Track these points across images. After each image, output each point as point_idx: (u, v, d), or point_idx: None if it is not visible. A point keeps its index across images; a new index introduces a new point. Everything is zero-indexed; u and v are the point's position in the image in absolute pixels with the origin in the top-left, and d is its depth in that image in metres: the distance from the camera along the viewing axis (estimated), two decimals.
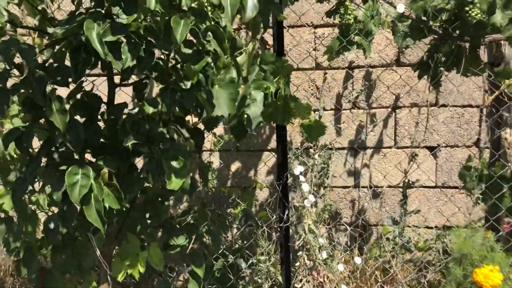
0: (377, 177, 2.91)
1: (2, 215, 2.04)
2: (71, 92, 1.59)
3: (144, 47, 1.35)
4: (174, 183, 1.50)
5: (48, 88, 1.34)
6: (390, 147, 2.91)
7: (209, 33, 1.34)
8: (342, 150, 2.89)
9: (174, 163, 1.51)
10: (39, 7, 1.52)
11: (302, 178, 2.14)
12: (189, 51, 1.38)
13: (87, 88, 1.67)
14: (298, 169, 2.14)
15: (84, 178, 1.42)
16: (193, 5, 1.49)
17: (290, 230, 2.14)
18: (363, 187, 2.91)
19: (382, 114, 2.90)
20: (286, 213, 2.07)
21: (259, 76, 1.75)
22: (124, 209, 1.66)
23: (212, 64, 1.56)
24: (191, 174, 1.66)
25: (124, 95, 2.48)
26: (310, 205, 2.09)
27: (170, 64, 1.52)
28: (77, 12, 1.53)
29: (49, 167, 1.50)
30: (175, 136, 1.71)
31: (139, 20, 1.43)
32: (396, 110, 2.90)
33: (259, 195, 2.78)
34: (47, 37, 1.46)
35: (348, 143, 2.91)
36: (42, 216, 2.09)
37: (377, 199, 2.90)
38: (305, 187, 2.11)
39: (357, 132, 2.90)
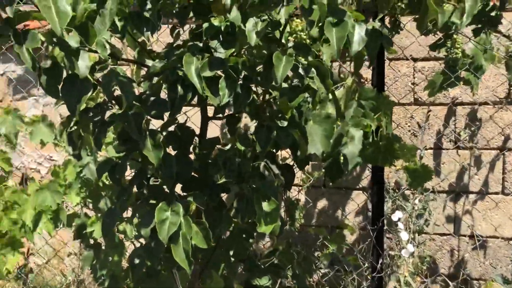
0: (481, 225, 2.62)
1: (92, 241, 2.07)
2: (164, 124, 1.57)
3: (241, 82, 1.29)
4: (265, 227, 1.40)
5: None
6: (496, 193, 2.62)
7: (312, 69, 1.24)
8: (442, 193, 2.65)
9: (266, 205, 1.42)
10: (139, 39, 1.53)
11: (400, 225, 1.96)
12: (285, 85, 1.30)
13: (180, 120, 1.65)
14: (396, 215, 1.96)
15: (174, 216, 1.37)
16: (289, 38, 1.42)
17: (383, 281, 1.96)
18: (463, 235, 2.63)
19: (488, 156, 2.63)
20: (380, 261, 1.89)
21: (358, 113, 1.62)
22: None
23: (308, 99, 1.47)
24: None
25: (213, 125, 2.46)
26: (408, 255, 1.89)
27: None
28: (175, 44, 1.52)
29: (140, 200, 1.47)
30: (265, 172, 1.63)
31: (235, 54, 1.38)
32: (505, 153, 2.61)
33: (348, 237, 2.61)
34: (145, 69, 1.45)
35: (448, 186, 2.66)
36: (129, 244, 2.09)
37: (480, 250, 2.61)
38: (404, 235, 1.92)
39: (459, 174, 2.64)
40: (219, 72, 1.30)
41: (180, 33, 1.63)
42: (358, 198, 2.72)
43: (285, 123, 1.34)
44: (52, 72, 1.09)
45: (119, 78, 1.20)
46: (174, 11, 1.36)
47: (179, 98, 1.25)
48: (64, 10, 1.02)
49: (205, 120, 1.67)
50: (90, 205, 2.14)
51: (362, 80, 2.75)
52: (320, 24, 1.16)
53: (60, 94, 1.11)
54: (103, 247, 2.01)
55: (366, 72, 2.69)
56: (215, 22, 1.32)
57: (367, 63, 2.01)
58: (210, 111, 1.63)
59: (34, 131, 2.07)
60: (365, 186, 2.69)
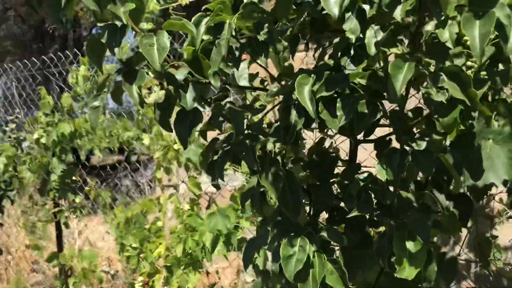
0: None
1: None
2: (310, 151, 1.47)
3: (367, 99, 1.11)
4: (408, 271, 1.16)
5: None
6: None
7: (443, 76, 0.98)
8: None
9: (410, 245, 1.18)
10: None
11: None
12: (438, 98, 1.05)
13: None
14: None
15: (301, 252, 1.25)
16: None
17: None
18: None
19: None
20: None
21: None
22: None
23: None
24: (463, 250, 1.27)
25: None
26: None
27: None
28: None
29: (275, 231, 1.40)
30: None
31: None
32: None
33: None
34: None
35: None
36: None
37: None
38: None
39: None
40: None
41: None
42: None
43: (423, 145, 1.09)
44: (164, 106, 1.12)
45: (230, 107, 1.16)
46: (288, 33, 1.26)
47: (293, 124, 1.14)
48: (164, 45, 1.04)
49: (355, 143, 1.51)
50: None
51: None
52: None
53: (173, 127, 1.13)
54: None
55: None
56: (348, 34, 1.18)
57: None
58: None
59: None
60: None
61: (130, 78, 1.08)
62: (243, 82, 1.43)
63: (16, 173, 3.35)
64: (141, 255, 2.37)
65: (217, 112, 1.17)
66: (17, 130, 3.57)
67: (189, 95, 1.11)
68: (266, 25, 1.23)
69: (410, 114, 1.32)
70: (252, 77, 1.47)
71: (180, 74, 1.10)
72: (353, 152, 1.51)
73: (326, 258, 1.29)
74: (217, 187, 1.49)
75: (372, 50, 1.04)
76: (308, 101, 1.09)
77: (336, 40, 1.26)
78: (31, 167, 3.22)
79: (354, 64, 1.19)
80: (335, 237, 1.32)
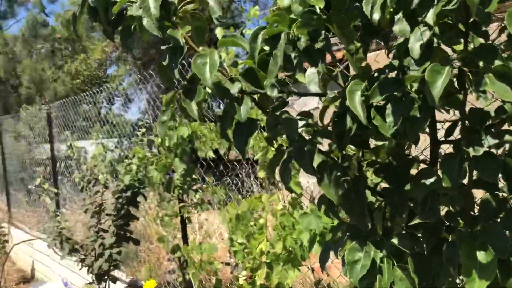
0: None
1: None
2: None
3: (420, 103, 1.05)
4: (477, 284, 1.08)
5: None
6: None
7: (486, 79, 0.89)
8: None
9: (481, 255, 1.09)
10: None
11: None
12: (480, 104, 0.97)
13: None
14: None
15: (367, 257, 1.24)
16: None
17: None
18: None
19: None
20: None
21: None
22: None
23: None
24: None
25: None
26: None
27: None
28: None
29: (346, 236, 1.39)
30: None
31: None
32: None
33: None
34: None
35: None
36: None
37: None
38: None
39: None
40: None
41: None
42: None
43: (481, 151, 1.00)
44: (224, 119, 1.20)
45: (284, 116, 1.19)
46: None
47: (347, 133, 1.13)
48: (215, 63, 1.12)
49: (435, 144, 1.43)
50: None
51: None
52: None
53: (232, 139, 1.20)
54: None
55: None
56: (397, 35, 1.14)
57: None
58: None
59: None
60: None
61: (189, 95, 1.18)
62: (313, 87, 1.44)
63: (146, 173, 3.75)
64: (245, 250, 2.50)
65: (272, 121, 1.21)
66: (147, 133, 3.99)
67: (243, 108, 1.17)
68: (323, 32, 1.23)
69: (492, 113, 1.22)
70: (325, 80, 1.48)
71: (235, 88, 1.17)
72: (433, 153, 1.43)
73: (395, 264, 1.26)
74: (290, 190, 1.52)
75: (416, 53, 0.99)
76: (359, 108, 1.08)
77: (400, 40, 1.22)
78: (157, 167, 3.58)
79: (416, 65, 1.13)
80: (406, 244, 1.27)
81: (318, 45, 1.22)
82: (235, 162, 4.08)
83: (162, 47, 1.20)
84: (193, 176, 3.55)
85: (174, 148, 3.48)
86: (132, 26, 1.20)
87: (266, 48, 1.25)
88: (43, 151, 7.72)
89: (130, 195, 3.89)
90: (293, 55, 1.26)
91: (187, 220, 3.68)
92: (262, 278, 2.36)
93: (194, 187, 3.59)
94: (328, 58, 1.21)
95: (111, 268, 4.06)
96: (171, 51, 1.18)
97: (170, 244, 3.46)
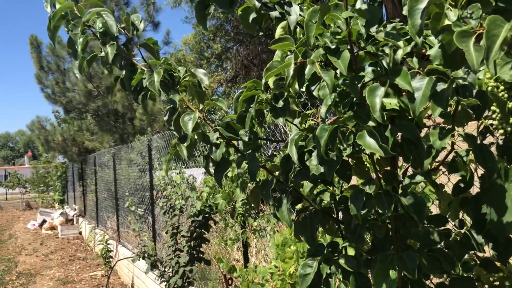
0: None
1: None
2: None
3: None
4: None
5: None
6: None
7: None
8: None
9: (392, 272, 1.36)
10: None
11: None
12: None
13: None
14: None
15: (314, 272, 1.55)
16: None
17: None
18: None
19: None
20: None
21: None
22: None
23: None
24: None
25: None
26: None
27: None
28: None
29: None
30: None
31: None
32: None
33: None
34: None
35: None
36: None
37: None
38: None
39: None
40: None
41: None
42: None
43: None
44: (207, 158, 1.63)
45: (248, 156, 1.58)
46: None
47: (292, 170, 1.49)
48: (194, 119, 1.55)
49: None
50: None
51: None
52: None
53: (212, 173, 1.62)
54: None
55: None
56: None
57: None
58: None
59: None
60: None
61: (182, 140, 1.62)
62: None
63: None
64: (277, 273, 2.85)
65: (240, 160, 1.61)
66: None
67: (219, 151, 1.58)
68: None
69: None
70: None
71: (214, 136, 1.60)
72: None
73: (341, 279, 1.55)
74: (276, 217, 1.88)
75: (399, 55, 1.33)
76: (294, 153, 1.43)
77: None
78: (222, 195, 4.07)
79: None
80: (350, 264, 1.56)
81: (280, 104, 1.61)
82: None
83: (167, 107, 1.67)
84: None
85: (235, 179, 3.95)
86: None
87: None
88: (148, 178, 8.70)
89: (201, 219, 4.42)
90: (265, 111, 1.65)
91: (247, 244, 4.09)
92: None
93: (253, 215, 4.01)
94: None
95: (186, 284, 4.58)
96: (171, 110, 1.64)
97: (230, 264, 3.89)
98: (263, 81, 1.49)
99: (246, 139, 1.60)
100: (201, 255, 4.56)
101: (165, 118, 1.64)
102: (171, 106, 1.65)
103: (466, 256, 1.54)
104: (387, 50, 1.21)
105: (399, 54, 1.13)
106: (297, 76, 1.32)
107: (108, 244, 8.00)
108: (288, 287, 2.70)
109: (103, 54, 1.72)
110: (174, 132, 1.66)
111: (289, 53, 1.42)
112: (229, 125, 1.63)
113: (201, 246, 4.59)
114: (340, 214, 1.72)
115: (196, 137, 1.62)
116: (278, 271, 2.84)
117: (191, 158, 1.66)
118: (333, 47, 1.25)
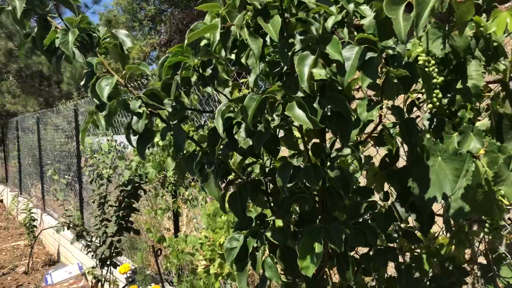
0: None
1: None
2: None
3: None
4: (311, 268, 1.33)
5: None
6: None
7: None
8: None
9: (317, 245, 1.35)
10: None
11: None
12: None
13: None
14: None
15: (241, 245, 1.51)
16: None
17: None
18: None
19: None
20: None
21: None
22: None
23: None
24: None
25: None
26: None
27: None
28: None
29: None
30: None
31: None
32: None
33: None
34: None
35: None
36: None
37: None
38: None
39: None
40: None
41: None
42: None
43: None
44: (128, 129, 1.51)
45: (174, 127, 1.49)
46: None
47: (220, 142, 1.42)
48: (111, 83, 1.43)
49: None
50: None
51: None
52: None
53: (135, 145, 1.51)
54: None
55: None
56: None
57: None
58: None
59: None
60: None
61: (100, 108, 1.49)
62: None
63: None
64: (207, 243, 2.81)
65: (165, 132, 1.51)
66: None
67: (141, 121, 1.48)
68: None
69: None
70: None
71: (136, 104, 1.48)
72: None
73: (268, 253, 1.53)
74: (203, 190, 1.82)
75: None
76: (220, 125, 1.36)
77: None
78: (152, 164, 3.93)
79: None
80: (277, 237, 1.54)
81: (207, 73, 1.52)
82: None
83: (84, 71, 1.53)
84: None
85: (167, 148, 3.82)
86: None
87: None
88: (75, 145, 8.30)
89: (130, 189, 4.27)
90: (193, 80, 1.56)
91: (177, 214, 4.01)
92: (216, 267, 2.65)
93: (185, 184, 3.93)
94: None
95: (114, 254, 4.45)
96: (88, 73, 1.50)
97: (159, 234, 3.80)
98: (185, 42, 1.39)
99: (170, 109, 1.50)
100: (130, 225, 4.43)
101: (82, 82, 1.49)
102: (89, 69, 1.51)
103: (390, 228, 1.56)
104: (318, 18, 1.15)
105: (330, 22, 1.08)
106: (224, 41, 1.24)
107: (32, 213, 7.62)
108: (218, 257, 2.67)
109: (10, 8, 1.53)
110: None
111: (216, 17, 1.32)
112: (153, 93, 1.52)
113: (130, 215, 4.46)
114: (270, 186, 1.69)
115: (115, 105, 1.50)
116: (208, 241, 2.80)
117: (110, 128, 1.55)
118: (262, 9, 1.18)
